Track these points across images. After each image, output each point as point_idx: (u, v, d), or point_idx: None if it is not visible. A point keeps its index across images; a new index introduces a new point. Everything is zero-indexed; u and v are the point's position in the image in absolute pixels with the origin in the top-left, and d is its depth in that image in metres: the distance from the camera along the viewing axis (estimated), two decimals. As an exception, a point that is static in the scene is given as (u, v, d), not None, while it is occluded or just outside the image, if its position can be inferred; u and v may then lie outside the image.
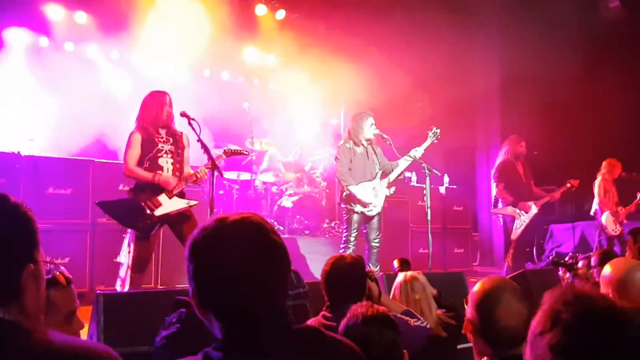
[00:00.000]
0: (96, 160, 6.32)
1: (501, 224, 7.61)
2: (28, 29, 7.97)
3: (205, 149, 4.38)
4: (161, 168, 4.66)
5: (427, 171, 6.05)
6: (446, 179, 8.61)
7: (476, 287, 1.95)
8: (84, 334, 2.55)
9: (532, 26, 8.98)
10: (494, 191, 7.14)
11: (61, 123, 7.58)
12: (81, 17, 8.35)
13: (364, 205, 5.87)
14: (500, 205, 7.20)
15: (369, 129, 5.96)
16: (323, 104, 9.23)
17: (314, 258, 6.80)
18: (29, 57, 7.90)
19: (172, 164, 4.72)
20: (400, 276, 3.20)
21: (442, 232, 7.73)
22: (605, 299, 1.11)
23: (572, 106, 9.46)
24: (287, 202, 8.13)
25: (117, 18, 8.05)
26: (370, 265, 5.86)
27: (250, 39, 9.44)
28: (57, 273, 1.80)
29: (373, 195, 5.93)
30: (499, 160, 7.16)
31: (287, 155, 8.96)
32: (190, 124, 4.47)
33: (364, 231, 6.05)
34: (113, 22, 8.13)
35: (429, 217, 6.07)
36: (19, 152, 5.94)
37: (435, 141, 6.04)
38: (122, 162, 4.79)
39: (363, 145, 6.02)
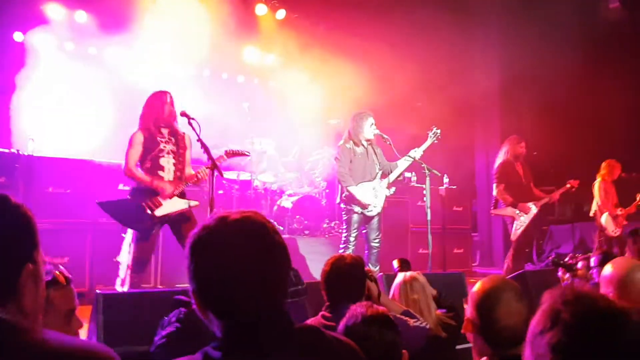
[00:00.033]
0: (96, 160, 6.32)
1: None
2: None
3: (205, 149, 4.38)
4: (162, 168, 4.67)
5: (427, 171, 6.04)
6: (446, 179, 8.62)
7: (476, 287, 1.95)
8: (83, 334, 2.55)
9: (532, 26, 8.97)
10: (494, 192, 7.12)
11: (61, 123, 7.58)
12: (81, 16, 8.36)
13: (364, 206, 5.86)
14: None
15: (369, 129, 5.95)
16: (323, 104, 9.23)
17: (313, 258, 6.81)
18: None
19: (174, 164, 4.74)
20: (400, 276, 3.20)
21: (442, 233, 7.71)
22: (605, 298, 1.11)
23: (572, 106, 9.47)
24: (286, 202, 8.13)
25: (117, 17, 8.05)
26: (370, 265, 5.86)
27: (251, 38, 9.44)
28: (57, 273, 1.80)
29: (373, 195, 5.92)
30: (498, 160, 7.14)
31: (286, 155, 8.96)
32: (190, 123, 4.47)
33: (364, 231, 6.04)
34: (113, 22, 8.13)
35: (428, 218, 6.06)
36: (18, 152, 5.94)
37: (436, 141, 6.03)
38: (122, 162, 4.79)
39: (363, 145, 6.00)
